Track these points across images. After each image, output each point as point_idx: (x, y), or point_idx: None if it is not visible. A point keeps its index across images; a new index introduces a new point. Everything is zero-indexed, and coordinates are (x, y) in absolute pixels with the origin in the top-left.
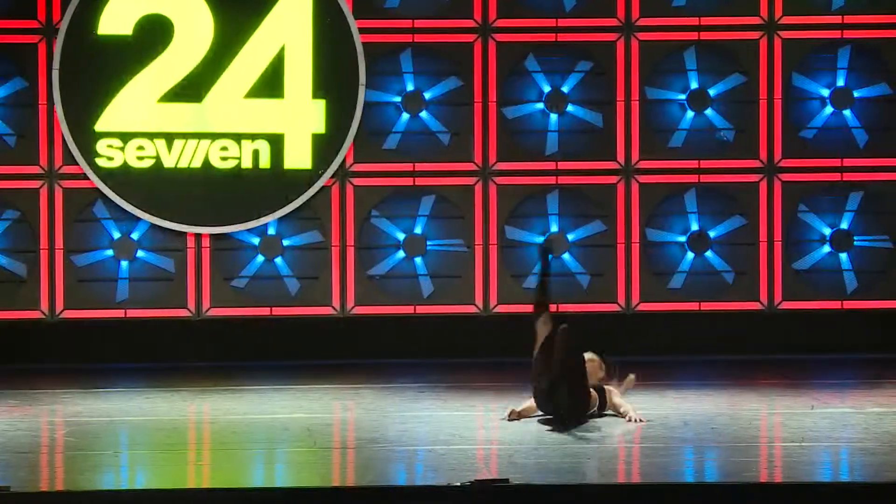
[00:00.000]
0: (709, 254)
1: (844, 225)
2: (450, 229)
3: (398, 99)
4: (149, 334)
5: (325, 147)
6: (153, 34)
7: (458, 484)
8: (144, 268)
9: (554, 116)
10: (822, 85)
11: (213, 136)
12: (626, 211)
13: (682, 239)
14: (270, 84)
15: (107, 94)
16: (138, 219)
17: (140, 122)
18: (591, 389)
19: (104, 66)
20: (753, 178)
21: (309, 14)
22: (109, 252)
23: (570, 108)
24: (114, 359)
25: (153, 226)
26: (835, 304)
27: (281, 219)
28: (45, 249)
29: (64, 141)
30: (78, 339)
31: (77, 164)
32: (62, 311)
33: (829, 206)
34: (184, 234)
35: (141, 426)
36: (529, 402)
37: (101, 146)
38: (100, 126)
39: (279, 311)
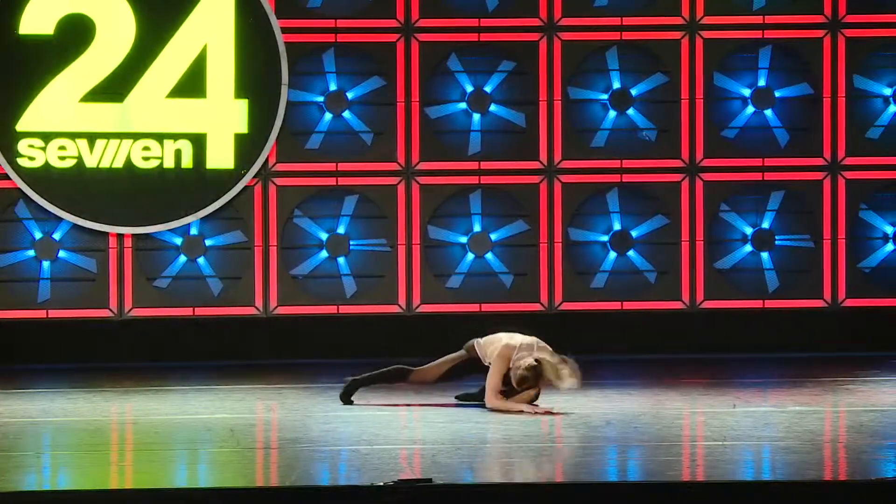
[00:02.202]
0: (631, 253)
1: (766, 224)
2: (373, 229)
3: (321, 99)
4: (70, 334)
5: (247, 147)
6: (75, 34)
7: (382, 484)
8: (66, 268)
9: (477, 116)
10: (744, 85)
11: (136, 136)
12: (549, 210)
13: (605, 238)
14: (193, 84)
15: (28, 93)
16: (60, 219)
17: (62, 121)
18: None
19: (25, 65)
20: (675, 177)
21: (231, 13)
22: (31, 252)
23: (492, 107)
24: (35, 359)
25: (75, 226)
26: (756, 304)
27: (203, 219)
28: None
29: None
30: None
31: None
32: None
33: (751, 205)
34: (106, 234)
35: (63, 427)
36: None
37: (23, 146)
38: (21, 126)
39: (202, 312)
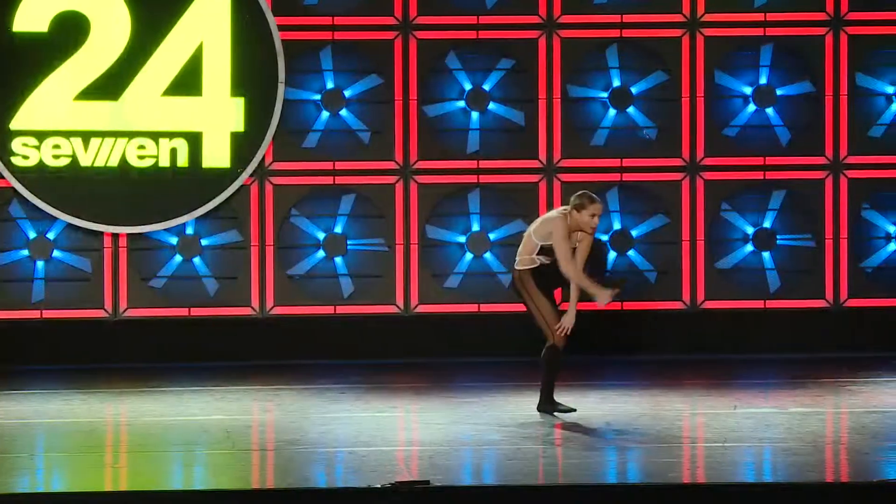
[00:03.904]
0: (631, 253)
1: (767, 224)
2: (370, 228)
3: (318, 97)
4: (65, 335)
5: (244, 145)
6: (69, 32)
7: (379, 486)
8: (61, 268)
9: (475, 114)
10: (745, 83)
11: (131, 135)
12: (548, 210)
13: (605, 238)
14: (188, 82)
15: (22, 92)
16: (54, 218)
17: (56, 120)
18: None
19: (19, 63)
20: (676, 176)
21: (227, 11)
22: (25, 252)
23: (491, 106)
24: (30, 360)
25: (70, 225)
26: (758, 304)
27: (199, 218)
28: None
29: None
30: None
31: None
32: None
33: (752, 204)
34: (101, 233)
35: (57, 428)
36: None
37: (17, 145)
38: (15, 124)
39: (197, 312)
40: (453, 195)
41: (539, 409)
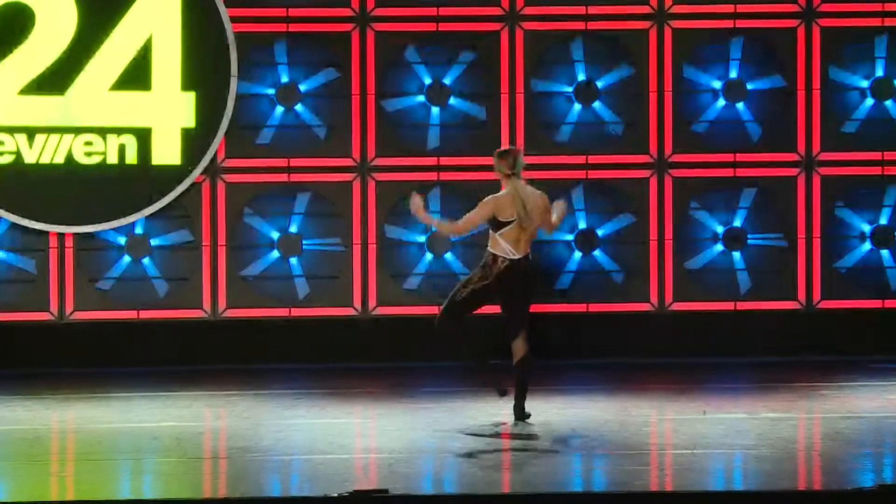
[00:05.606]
0: (597, 253)
1: (738, 223)
2: (327, 228)
3: (272, 91)
4: (9, 339)
5: (195, 142)
6: (14, 23)
7: (336, 495)
8: (4, 269)
9: (436, 109)
10: (714, 77)
11: (77, 131)
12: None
13: (570, 238)
14: (137, 76)
15: None
16: None
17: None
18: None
19: None
20: (643, 173)
21: (178, 2)
22: None
23: (452, 100)
24: None
25: (13, 224)
26: (728, 305)
27: (148, 217)
28: None
29: None
30: None
31: None
32: None
33: (722, 202)
34: (46, 233)
35: (1, 436)
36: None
37: None
38: None
39: (147, 314)
40: (413, 193)
41: (518, 418)
